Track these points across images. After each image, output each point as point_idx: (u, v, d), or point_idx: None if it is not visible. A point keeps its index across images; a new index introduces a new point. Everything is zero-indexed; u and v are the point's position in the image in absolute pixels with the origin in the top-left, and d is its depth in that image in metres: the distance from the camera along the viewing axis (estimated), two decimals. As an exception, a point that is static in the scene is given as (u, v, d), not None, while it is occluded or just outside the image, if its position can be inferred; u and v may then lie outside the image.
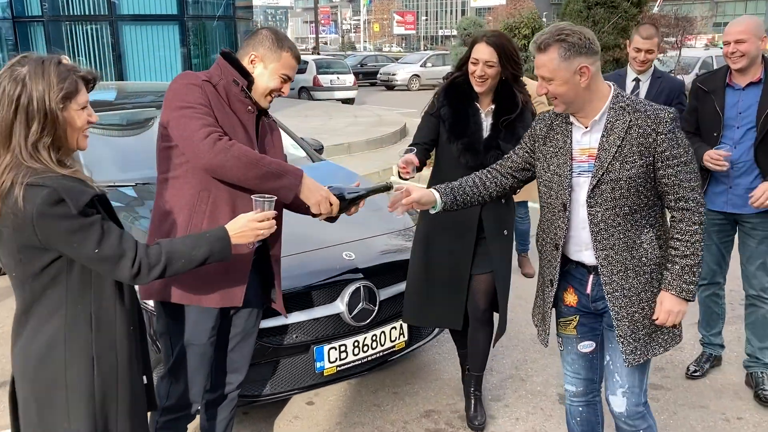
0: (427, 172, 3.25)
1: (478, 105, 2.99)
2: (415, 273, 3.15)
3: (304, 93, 19.76)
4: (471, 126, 2.96)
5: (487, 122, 3.00)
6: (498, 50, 2.85)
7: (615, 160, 2.11)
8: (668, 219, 2.22)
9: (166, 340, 2.38)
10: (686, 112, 3.51)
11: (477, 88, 2.93)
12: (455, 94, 3.02)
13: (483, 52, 2.87)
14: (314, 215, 2.35)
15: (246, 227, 2.02)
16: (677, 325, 2.24)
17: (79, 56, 11.40)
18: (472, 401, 3.30)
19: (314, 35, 42.08)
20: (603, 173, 2.12)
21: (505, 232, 3.09)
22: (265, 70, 2.30)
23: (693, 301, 2.19)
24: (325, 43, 49.70)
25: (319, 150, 4.85)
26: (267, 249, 2.47)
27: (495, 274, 3.06)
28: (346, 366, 3.13)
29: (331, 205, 2.29)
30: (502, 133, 2.95)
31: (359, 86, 21.83)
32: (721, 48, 3.46)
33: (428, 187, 2.64)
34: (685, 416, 3.34)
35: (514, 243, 4.87)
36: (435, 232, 3.07)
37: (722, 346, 3.78)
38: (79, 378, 1.75)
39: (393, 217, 3.45)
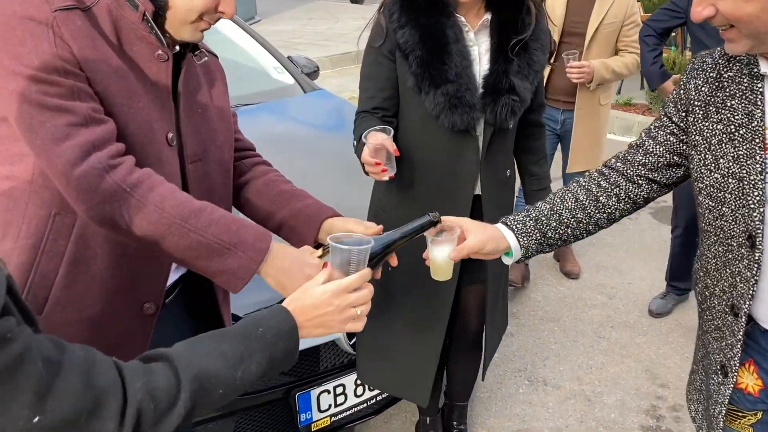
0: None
1: (460, 18, 1.75)
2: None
3: (310, -9, 18.10)
4: (455, 59, 1.72)
5: (480, 47, 1.78)
6: None
7: None
8: None
9: None
10: None
11: None
12: (418, 3, 1.74)
13: None
14: None
15: (330, 306, 1.04)
16: None
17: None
18: None
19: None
20: None
21: None
22: None
23: None
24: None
25: (313, 73, 3.67)
26: (200, 282, 1.45)
27: (488, 284, 2.03)
28: (345, 414, 2.15)
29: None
30: (514, 63, 1.74)
31: (370, -17, 20.12)
32: None
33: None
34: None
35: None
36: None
37: None
38: None
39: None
